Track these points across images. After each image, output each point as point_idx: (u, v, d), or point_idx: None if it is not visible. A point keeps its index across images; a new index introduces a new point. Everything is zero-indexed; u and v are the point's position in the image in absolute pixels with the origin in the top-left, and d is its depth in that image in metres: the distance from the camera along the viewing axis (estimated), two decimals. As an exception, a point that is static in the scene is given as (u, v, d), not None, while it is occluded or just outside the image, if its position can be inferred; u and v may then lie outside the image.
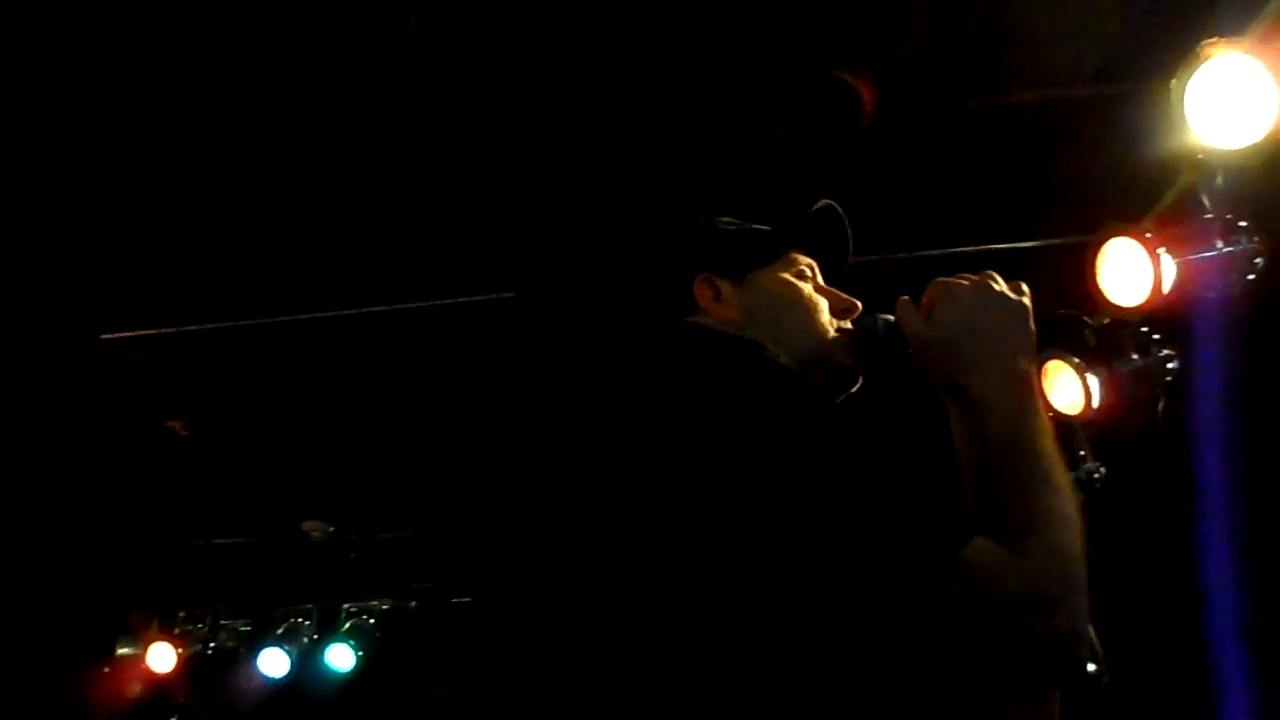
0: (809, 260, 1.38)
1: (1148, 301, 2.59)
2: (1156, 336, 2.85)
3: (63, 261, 3.23)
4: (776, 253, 1.36)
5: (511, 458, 3.71)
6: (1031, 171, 2.88)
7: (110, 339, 3.48)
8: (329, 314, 3.40)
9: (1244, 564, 3.52)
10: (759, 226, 1.40)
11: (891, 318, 1.26)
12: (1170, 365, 2.85)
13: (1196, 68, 2.16)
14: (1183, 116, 2.20)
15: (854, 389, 1.32)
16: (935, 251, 3.07)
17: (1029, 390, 1.15)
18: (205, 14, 2.42)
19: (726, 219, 1.42)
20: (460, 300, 3.34)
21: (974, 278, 1.22)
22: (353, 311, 3.41)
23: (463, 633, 5.47)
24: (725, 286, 1.32)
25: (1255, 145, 2.10)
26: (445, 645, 5.49)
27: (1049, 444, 1.10)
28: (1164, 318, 2.68)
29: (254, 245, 3.20)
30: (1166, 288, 2.55)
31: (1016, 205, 2.98)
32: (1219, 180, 2.46)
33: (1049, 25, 2.40)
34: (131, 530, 4.88)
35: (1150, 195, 2.74)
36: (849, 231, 1.43)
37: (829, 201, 1.40)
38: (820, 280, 1.38)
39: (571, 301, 3.33)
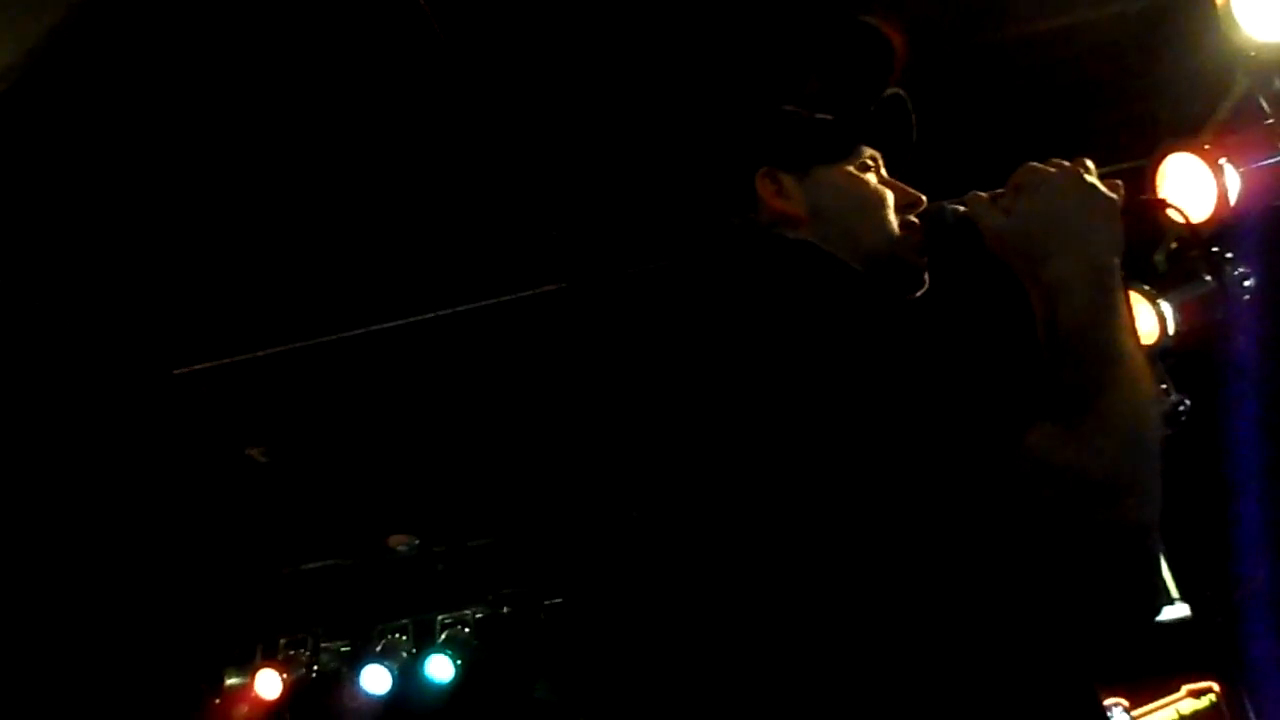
0: (873, 151, 1.34)
1: (1214, 216, 2.48)
2: (1229, 255, 2.73)
3: (129, 302, 3.33)
4: (841, 144, 1.32)
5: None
6: (1079, 99, 2.78)
7: (183, 373, 3.58)
8: (387, 325, 3.44)
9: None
10: (823, 116, 1.35)
11: (962, 208, 1.21)
12: (1247, 283, 2.73)
13: (1238, -39, 2.07)
14: (1231, 16, 2.11)
15: (920, 290, 1.29)
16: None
17: (1110, 284, 1.08)
18: (243, 49, 2.49)
19: (790, 107, 1.38)
20: (513, 296, 3.36)
21: (1066, 165, 1.16)
22: (411, 320, 3.45)
23: (559, 632, 5.50)
24: (788, 181, 1.30)
25: (1310, 34, 2.00)
26: (543, 646, 5.54)
27: (1126, 337, 1.05)
28: (1233, 233, 2.57)
29: (309, 266, 3.26)
30: (1233, 200, 2.45)
31: (1065, 137, 2.88)
32: (1277, 81, 2.35)
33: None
34: (227, 561, 5.01)
35: (1204, 107, 2.63)
36: (914, 120, 1.38)
37: (897, 90, 1.36)
38: (884, 172, 1.34)
39: (623, 286, 3.32)
